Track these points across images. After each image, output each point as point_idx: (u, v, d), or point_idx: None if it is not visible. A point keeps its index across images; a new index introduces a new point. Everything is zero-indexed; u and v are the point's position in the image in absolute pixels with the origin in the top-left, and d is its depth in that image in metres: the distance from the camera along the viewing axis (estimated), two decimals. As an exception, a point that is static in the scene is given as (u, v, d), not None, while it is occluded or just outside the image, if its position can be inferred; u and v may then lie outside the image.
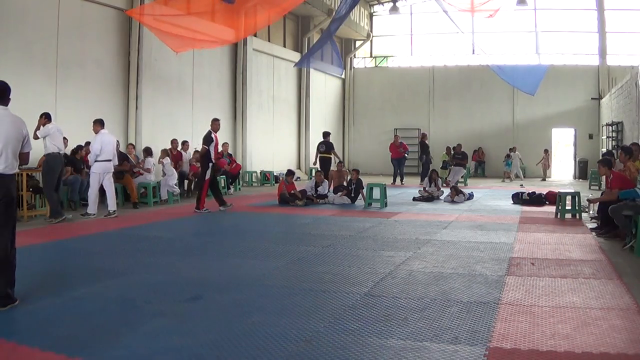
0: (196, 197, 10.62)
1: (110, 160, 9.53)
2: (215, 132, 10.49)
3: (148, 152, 11.91)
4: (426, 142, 19.21)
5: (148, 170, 11.64)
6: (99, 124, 9.46)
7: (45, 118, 8.98)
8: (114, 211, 9.51)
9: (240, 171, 15.72)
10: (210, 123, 10.60)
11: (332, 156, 15.51)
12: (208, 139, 10.33)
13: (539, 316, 3.98)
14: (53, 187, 8.77)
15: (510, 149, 21.13)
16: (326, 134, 15.96)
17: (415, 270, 5.49)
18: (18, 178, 9.19)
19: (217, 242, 7.24)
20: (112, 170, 9.65)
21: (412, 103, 24.68)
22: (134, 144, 12.84)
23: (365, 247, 6.85)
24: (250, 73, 18.00)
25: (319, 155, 15.36)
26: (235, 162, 15.41)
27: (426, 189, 13.36)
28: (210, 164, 10.31)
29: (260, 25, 14.54)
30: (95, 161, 9.35)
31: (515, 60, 22.28)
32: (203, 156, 10.47)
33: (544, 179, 20.63)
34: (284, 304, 4.31)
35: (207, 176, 10.28)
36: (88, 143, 10.60)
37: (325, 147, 15.44)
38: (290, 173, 12.45)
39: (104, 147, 9.35)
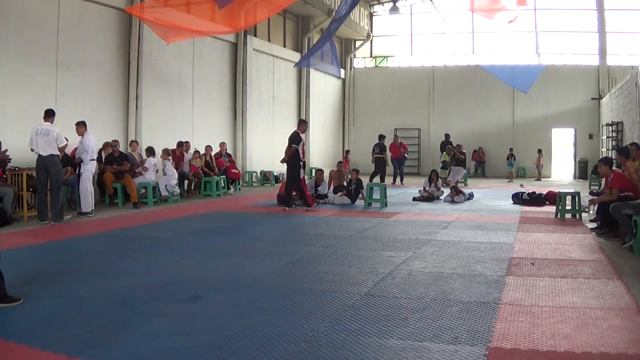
0: (283, 198, 11.01)
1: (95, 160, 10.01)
2: (302, 133, 10.84)
3: (150, 151, 11.99)
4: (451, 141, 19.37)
5: (145, 169, 11.65)
6: (83, 125, 9.61)
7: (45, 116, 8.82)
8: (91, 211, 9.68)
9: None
10: (297, 125, 11.10)
11: (385, 156, 16.86)
12: (297, 139, 10.65)
13: (539, 316, 3.98)
14: (41, 190, 8.73)
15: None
16: (381, 137, 17.24)
17: (415, 270, 5.49)
18: (18, 178, 9.22)
19: (217, 242, 7.23)
20: None
21: (412, 103, 24.69)
22: (136, 141, 12.87)
23: (365, 247, 6.85)
24: (250, 73, 17.99)
25: (374, 156, 16.83)
26: (236, 167, 15.37)
27: (426, 189, 13.36)
28: (301, 163, 10.65)
29: (259, 18, 14.56)
30: (90, 160, 9.59)
31: (514, 61, 22.33)
32: (292, 156, 10.63)
33: (538, 179, 20.66)
34: (284, 304, 4.31)
35: (302, 175, 10.70)
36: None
37: (380, 149, 16.83)
38: None
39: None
